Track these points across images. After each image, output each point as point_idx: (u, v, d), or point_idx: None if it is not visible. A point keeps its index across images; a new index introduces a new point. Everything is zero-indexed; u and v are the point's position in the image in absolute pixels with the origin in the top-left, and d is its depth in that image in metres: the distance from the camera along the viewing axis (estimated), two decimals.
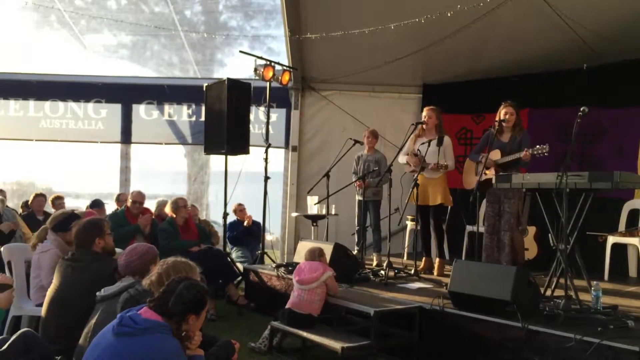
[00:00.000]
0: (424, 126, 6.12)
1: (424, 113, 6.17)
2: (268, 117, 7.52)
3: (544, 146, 4.98)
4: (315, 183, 6.92)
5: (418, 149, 6.10)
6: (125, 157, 9.47)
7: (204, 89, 7.28)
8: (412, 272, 5.87)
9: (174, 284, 2.50)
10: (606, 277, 5.79)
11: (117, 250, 4.63)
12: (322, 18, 7.37)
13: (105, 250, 3.76)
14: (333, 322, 4.79)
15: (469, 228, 7.01)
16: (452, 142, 6.18)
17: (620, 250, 6.09)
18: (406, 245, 7.60)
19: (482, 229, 5.69)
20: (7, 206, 6.82)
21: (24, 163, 9.70)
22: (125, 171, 9.44)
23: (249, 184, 7.91)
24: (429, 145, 5.89)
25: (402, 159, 6.29)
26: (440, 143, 5.91)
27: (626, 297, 4.90)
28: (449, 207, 6.42)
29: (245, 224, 8.07)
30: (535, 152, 5.06)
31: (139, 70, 9.85)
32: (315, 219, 6.93)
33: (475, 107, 8.13)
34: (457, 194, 6.40)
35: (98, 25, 8.70)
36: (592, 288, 4.10)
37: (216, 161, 9.02)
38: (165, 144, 9.54)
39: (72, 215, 4.44)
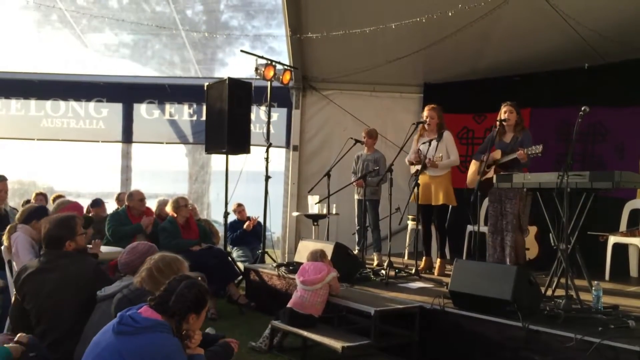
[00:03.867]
0: (426, 126, 6.12)
1: (425, 113, 6.16)
2: (269, 117, 7.52)
3: (538, 146, 5.03)
4: (316, 182, 6.92)
5: (419, 149, 6.10)
6: (127, 157, 9.48)
7: (205, 88, 7.27)
8: (413, 271, 5.87)
9: (175, 282, 2.50)
10: (607, 277, 5.78)
11: (118, 249, 4.65)
12: (323, 17, 7.37)
13: (76, 250, 3.58)
14: (334, 321, 4.79)
15: (469, 228, 7.00)
16: (453, 138, 6.17)
17: (621, 250, 6.09)
18: (407, 244, 7.60)
19: (483, 229, 5.69)
20: (9, 205, 6.82)
21: (25, 162, 9.71)
22: (126, 170, 9.45)
23: (250, 183, 7.92)
24: (429, 145, 5.89)
25: (406, 160, 6.30)
26: (440, 138, 5.91)
27: (627, 297, 4.89)
28: (451, 206, 6.39)
29: (244, 226, 8.08)
30: (529, 152, 5.11)
31: (140, 70, 9.87)
32: (316, 218, 6.93)
33: (476, 106, 8.13)
34: (461, 194, 6.37)
35: (99, 25, 8.71)
36: (593, 288, 4.10)
37: (217, 160, 9.04)
38: (167, 143, 9.55)
39: (39, 209, 4.53)
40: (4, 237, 4.41)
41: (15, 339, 3.10)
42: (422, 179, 5.97)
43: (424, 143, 6.02)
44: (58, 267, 3.39)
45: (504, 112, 5.57)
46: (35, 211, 4.48)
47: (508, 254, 5.43)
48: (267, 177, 7.23)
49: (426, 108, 6.25)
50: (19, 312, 3.45)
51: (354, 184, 6.85)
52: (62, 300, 3.27)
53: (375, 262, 6.77)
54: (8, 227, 4.45)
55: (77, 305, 3.20)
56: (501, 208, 5.56)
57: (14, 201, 8.32)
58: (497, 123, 5.56)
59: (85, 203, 7.09)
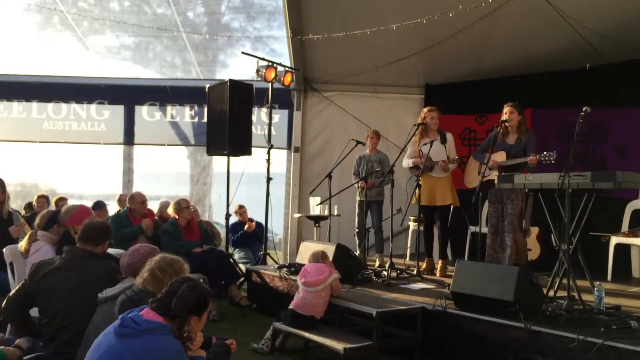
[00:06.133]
0: (428, 127, 6.12)
1: (427, 115, 6.16)
2: (270, 118, 7.53)
3: (552, 153, 4.98)
4: (318, 184, 6.92)
5: (420, 150, 6.10)
6: (128, 159, 9.48)
7: (207, 90, 7.28)
8: (415, 272, 5.87)
9: (176, 284, 2.49)
10: (609, 277, 5.78)
11: (120, 251, 4.66)
12: (324, 19, 7.37)
13: (103, 253, 3.67)
14: (335, 322, 4.79)
15: (471, 229, 7.00)
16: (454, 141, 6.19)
17: (623, 250, 6.08)
18: (408, 245, 7.59)
19: (484, 230, 5.68)
20: (11, 207, 6.83)
21: (27, 164, 9.71)
22: (128, 172, 9.45)
23: (252, 185, 7.92)
24: (431, 146, 5.89)
25: (406, 162, 6.28)
26: (444, 140, 5.91)
27: (629, 298, 4.88)
28: (452, 207, 6.38)
29: (245, 228, 8.09)
30: (542, 159, 5.05)
31: (142, 72, 9.86)
32: (317, 219, 6.93)
33: (478, 107, 8.12)
34: (461, 195, 6.37)
35: (101, 27, 8.71)
36: (595, 288, 4.10)
37: (219, 162, 9.03)
38: (168, 145, 9.55)
39: (56, 213, 4.63)
40: (24, 242, 4.46)
41: (15, 342, 3.11)
42: (424, 180, 5.97)
43: (425, 144, 6.02)
44: (81, 266, 3.42)
45: (504, 112, 5.58)
46: (54, 216, 4.59)
47: (510, 255, 5.42)
48: (269, 179, 7.24)
49: (426, 110, 6.25)
50: (19, 299, 3.49)
51: (358, 185, 6.82)
52: (80, 300, 3.27)
53: (377, 264, 6.77)
54: (29, 234, 4.57)
55: (92, 307, 3.20)
56: (502, 209, 5.56)
57: (16, 203, 8.34)
58: (500, 124, 5.56)
59: (87, 205, 7.09)
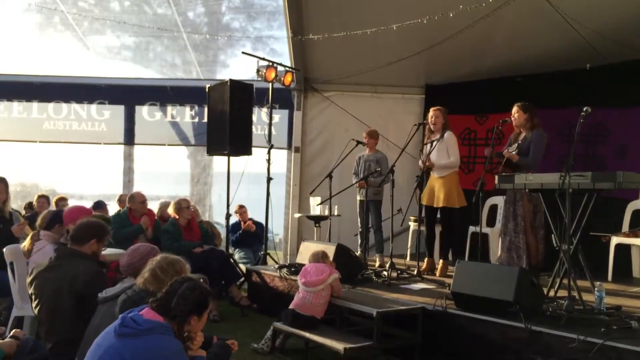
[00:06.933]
0: (432, 127, 6.12)
1: (430, 114, 6.17)
2: (270, 118, 7.54)
3: (514, 145, 5.22)
4: (318, 184, 6.92)
5: (421, 151, 6.12)
6: (128, 159, 9.49)
7: (207, 90, 7.28)
8: (415, 273, 5.86)
9: (177, 284, 2.49)
10: (610, 277, 5.77)
11: (120, 251, 4.65)
12: (325, 19, 7.38)
13: (94, 255, 3.64)
14: (336, 323, 4.79)
15: (472, 229, 6.98)
16: (455, 139, 6.16)
17: (624, 250, 6.07)
18: (409, 245, 7.58)
19: (485, 230, 5.67)
20: (11, 207, 6.83)
21: (27, 164, 9.72)
22: (128, 172, 9.46)
23: (252, 185, 7.93)
24: (431, 146, 5.90)
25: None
26: (441, 138, 5.92)
27: (630, 298, 4.87)
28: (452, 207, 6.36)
29: (243, 227, 8.09)
30: (512, 151, 5.20)
31: (142, 72, 9.88)
32: (317, 219, 6.92)
33: (478, 107, 8.12)
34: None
35: (101, 27, 8.73)
36: (596, 289, 4.09)
37: (219, 162, 9.04)
38: (168, 145, 9.57)
39: (58, 213, 4.63)
40: (27, 242, 4.47)
41: (10, 333, 3.12)
42: (429, 180, 5.98)
43: (426, 144, 6.03)
44: (61, 266, 3.41)
45: (512, 112, 5.60)
46: (56, 215, 4.58)
47: (521, 256, 5.40)
48: (269, 179, 7.24)
49: (431, 109, 6.25)
50: None
51: (356, 185, 6.83)
52: (58, 301, 3.27)
53: (377, 264, 6.77)
54: (32, 234, 4.57)
55: (73, 309, 3.18)
56: (512, 210, 5.55)
57: (16, 203, 8.34)
58: (500, 124, 5.56)
59: (87, 205, 7.09)
